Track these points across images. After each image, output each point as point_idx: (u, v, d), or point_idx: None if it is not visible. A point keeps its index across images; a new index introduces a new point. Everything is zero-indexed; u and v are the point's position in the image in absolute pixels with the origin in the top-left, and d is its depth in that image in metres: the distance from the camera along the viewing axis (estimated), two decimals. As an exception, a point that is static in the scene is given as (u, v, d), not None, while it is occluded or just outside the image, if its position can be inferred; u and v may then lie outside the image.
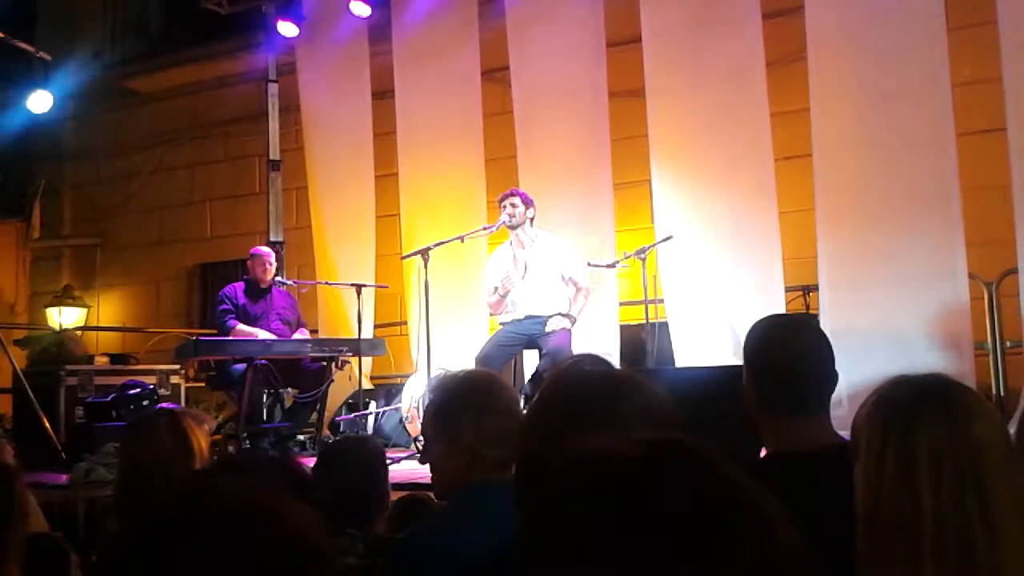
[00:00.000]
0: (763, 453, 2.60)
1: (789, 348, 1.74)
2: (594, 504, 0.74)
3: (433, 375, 5.15)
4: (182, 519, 0.86)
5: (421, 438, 4.53)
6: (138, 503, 2.30)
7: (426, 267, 5.23)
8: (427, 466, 1.89)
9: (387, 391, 6.84)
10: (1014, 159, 4.79)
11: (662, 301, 5.85)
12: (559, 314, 5.22)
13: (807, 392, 1.70)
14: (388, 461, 4.79)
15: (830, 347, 1.75)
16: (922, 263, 4.92)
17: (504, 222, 5.40)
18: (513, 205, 5.36)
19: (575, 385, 1.29)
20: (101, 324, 9.45)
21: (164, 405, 5.74)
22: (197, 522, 0.85)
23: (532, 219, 5.45)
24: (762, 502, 0.75)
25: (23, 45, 6.56)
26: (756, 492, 0.76)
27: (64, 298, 9.32)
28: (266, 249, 6.45)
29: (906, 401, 1.21)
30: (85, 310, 9.40)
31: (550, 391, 1.32)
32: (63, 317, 9.16)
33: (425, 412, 1.88)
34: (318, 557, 0.88)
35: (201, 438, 2.60)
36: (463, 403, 1.75)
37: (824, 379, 1.72)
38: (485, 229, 5.67)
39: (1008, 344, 5.22)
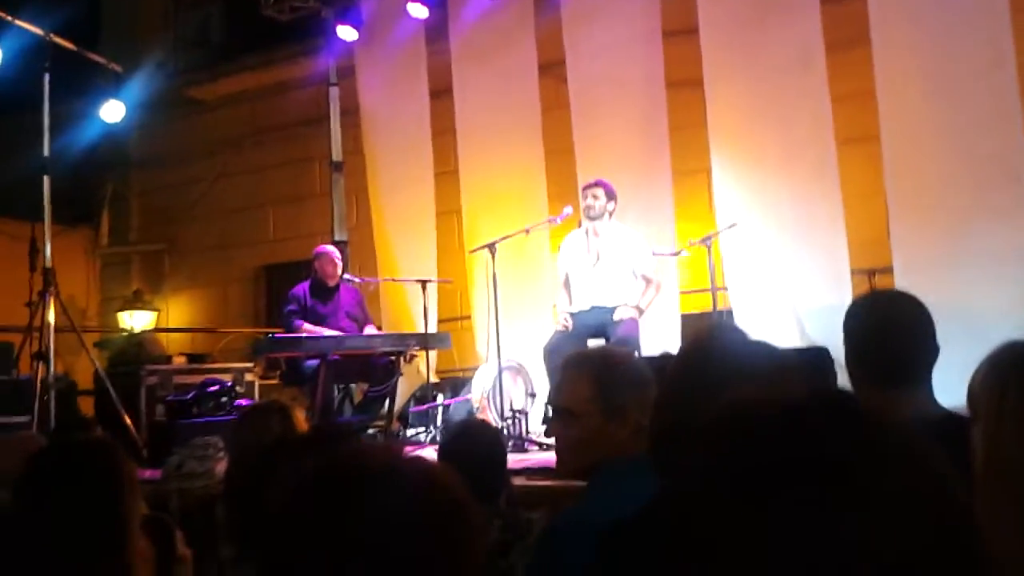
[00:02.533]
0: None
1: (886, 320, 1.78)
2: (757, 446, 0.74)
3: (505, 366, 5.25)
4: (348, 473, 0.95)
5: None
6: (248, 489, 2.42)
7: (493, 260, 5.33)
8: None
9: (452, 384, 6.98)
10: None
11: (725, 289, 5.88)
12: (626, 304, 5.27)
13: (906, 363, 1.74)
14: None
15: (930, 319, 1.78)
16: (995, 242, 4.89)
17: (568, 213, 5.46)
18: (595, 197, 5.40)
19: (711, 355, 1.33)
20: (171, 327, 9.72)
21: (241, 401, 5.92)
22: (364, 476, 0.94)
23: (611, 212, 5.47)
24: (930, 460, 0.74)
25: (96, 57, 6.77)
26: (923, 449, 0.75)
27: (135, 302, 9.61)
28: (331, 247, 6.59)
29: (1020, 362, 1.25)
30: (155, 313, 9.68)
31: (686, 362, 1.37)
32: (134, 320, 9.44)
33: (568, 385, 1.85)
34: (468, 510, 0.97)
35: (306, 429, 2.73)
36: (624, 375, 1.76)
37: (923, 350, 1.75)
38: (550, 220, 5.75)
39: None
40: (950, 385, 1.78)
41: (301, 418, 2.51)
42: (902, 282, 5.19)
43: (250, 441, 2.56)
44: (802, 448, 0.74)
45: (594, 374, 1.81)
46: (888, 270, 5.43)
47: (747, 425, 0.79)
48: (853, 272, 5.56)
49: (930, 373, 1.77)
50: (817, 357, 2.85)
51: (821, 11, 5.60)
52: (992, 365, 1.28)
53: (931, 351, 1.77)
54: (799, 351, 3.62)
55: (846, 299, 5.04)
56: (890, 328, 1.76)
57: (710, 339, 1.41)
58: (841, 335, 1.89)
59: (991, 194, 4.95)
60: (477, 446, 2.45)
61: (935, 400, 1.77)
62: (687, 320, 6.12)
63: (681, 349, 1.48)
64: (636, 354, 5.10)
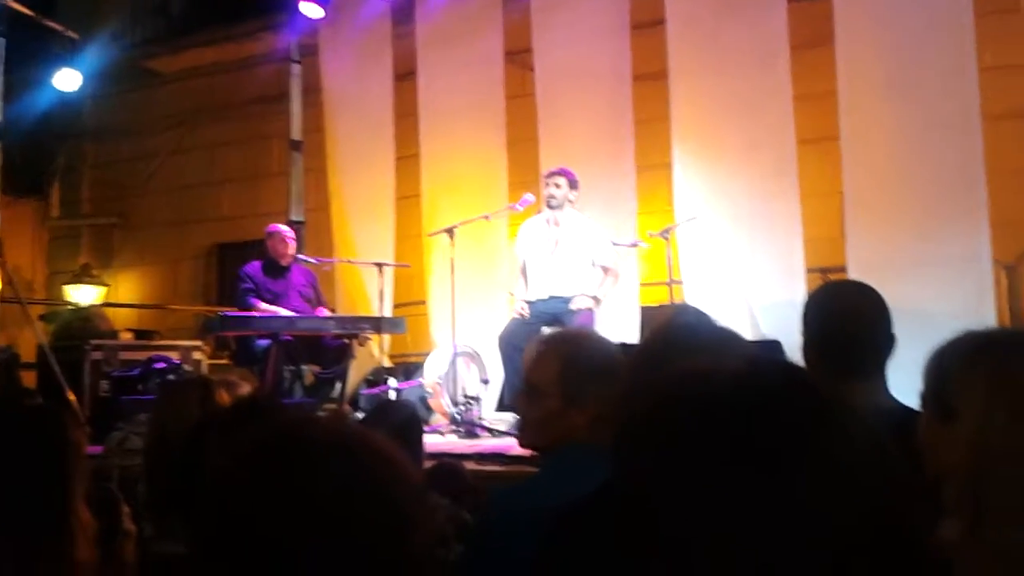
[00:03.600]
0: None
1: (844, 311, 1.78)
2: (698, 422, 0.72)
3: (460, 351, 5.21)
4: (298, 442, 0.91)
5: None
6: (165, 467, 2.34)
7: (452, 244, 5.29)
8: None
9: (405, 368, 6.92)
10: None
11: (681, 282, 5.89)
12: (584, 294, 5.26)
13: (864, 351, 1.74)
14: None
15: (886, 311, 1.78)
16: (948, 247, 4.95)
17: (529, 200, 5.43)
18: (557, 185, 5.38)
19: (682, 339, 1.30)
20: (119, 302, 9.52)
21: (188, 379, 5.81)
22: (303, 447, 0.89)
23: (573, 201, 5.44)
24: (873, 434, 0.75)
25: (52, 23, 6.58)
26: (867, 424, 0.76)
27: (82, 276, 9.38)
28: (283, 226, 6.49)
29: (987, 347, 1.21)
30: (103, 288, 9.46)
31: (655, 347, 1.33)
32: (81, 295, 9.23)
33: (536, 361, 1.82)
34: (418, 480, 0.93)
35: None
36: (591, 363, 1.72)
37: (882, 338, 1.76)
38: (511, 207, 5.72)
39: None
40: (901, 385, 1.79)
41: (224, 394, 2.42)
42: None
43: (170, 417, 2.48)
44: (758, 422, 0.72)
45: (561, 356, 1.80)
46: (842, 269, 5.48)
47: (702, 400, 0.76)
48: (807, 270, 5.61)
49: (885, 364, 1.77)
50: (770, 349, 2.85)
51: (787, 9, 5.63)
52: (969, 361, 1.22)
53: (889, 340, 1.77)
54: (754, 342, 3.63)
55: (800, 296, 5.08)
56: (850, 314, 1.77)
57: (673, 325, 1.39)
58: (794, 332, 1.89)
59: (948, 198, 5.01)
60: (392, 423, 2.42)
61: (890, 393, 1.78)
62: (646, 312, 6.13)
63: (644, 338, 1.45)
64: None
